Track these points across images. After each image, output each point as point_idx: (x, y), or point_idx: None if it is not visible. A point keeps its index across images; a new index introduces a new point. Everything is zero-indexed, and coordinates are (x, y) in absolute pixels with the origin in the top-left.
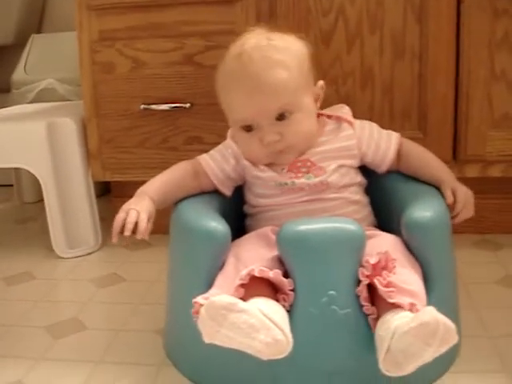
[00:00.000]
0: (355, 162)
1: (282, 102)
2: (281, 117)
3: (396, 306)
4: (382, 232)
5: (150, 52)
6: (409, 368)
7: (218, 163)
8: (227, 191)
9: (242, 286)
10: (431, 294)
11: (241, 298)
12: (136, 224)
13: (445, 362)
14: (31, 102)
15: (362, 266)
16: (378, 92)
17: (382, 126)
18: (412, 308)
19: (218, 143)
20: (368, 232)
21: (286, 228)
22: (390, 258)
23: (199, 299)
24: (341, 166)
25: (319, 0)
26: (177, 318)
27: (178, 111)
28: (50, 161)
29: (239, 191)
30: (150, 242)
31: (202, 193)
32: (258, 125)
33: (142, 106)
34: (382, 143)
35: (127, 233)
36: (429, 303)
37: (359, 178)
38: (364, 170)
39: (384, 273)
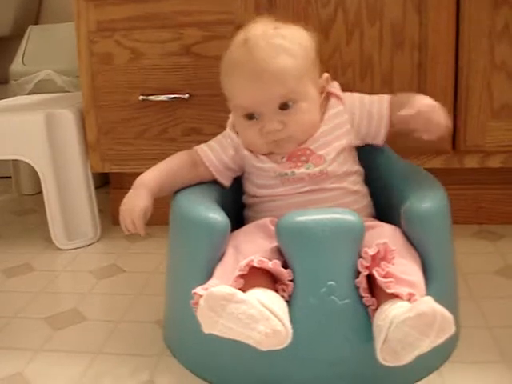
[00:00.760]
0: (352, 139)
1: (286, 89)
2: (284, 106)
3: (395, 297)
4: (381, 223)
5: (148, 42)
6: (406, 358)
7: (216, 153)
8: (226, 182)
9: (241, 276)
10: (430, 285)
11: (240, 289)
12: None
13: (443, 352)
14: (29, 94)
15: (361, 256)
16: (377, 82)
17: None
18: (410, 298)
19: (217, 134)
20: (367, 223)
21: (285, 219)
22: (389, 249)
23: (198, 290)
24: (340, 153)
25: None
26: (176, 308)
27: (177, 102)
28: (49, 152)
29: (238, 182)
30: (149, 233)
31: (201, 183)
32: (259, 114)
33: (141, 97)
34: (373, 111)
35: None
36: (428, 293)
37: (357, 167)
38: (363, 160)
39: (383, 263)
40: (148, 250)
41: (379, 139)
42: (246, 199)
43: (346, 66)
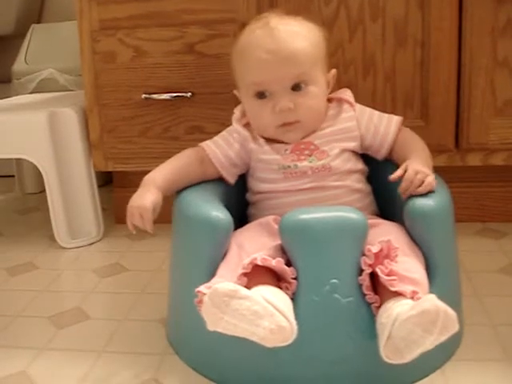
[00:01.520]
0: (357, 146)
1: (301, 69)
2: (296, 87)
3: (398, 294)
4: (384, 221)
5: (151, 41)
6: (409, 355)
7: (222, 149)
8: (231, 179)
9: (244, 274)
10: (434, 283)
11: (244, 287)
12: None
13: (447, 350)
14: (32, 93)
15: (364, 254)
16: (380, 80)
17: None
18: (414, 296)
19: (220, 132)
20: (370, 221)
21: (288, 217)
22: (392, 247)
23: (202, 288)
24: (343, 151)
25: None
26: (179, 307)
27: (180, 100)
28: (52, 151)
29: (242, 180)
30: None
31: (205, 182)
32: (272, 92)
33: (144, 96)
34: (381, 127)
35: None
36: (431, 291)
37: (361, 165)
38: (365, 158)
39: (386, 261)
40: (151, 249)
41: (380, 155)
42: (249, 197)
43: (348, 63)
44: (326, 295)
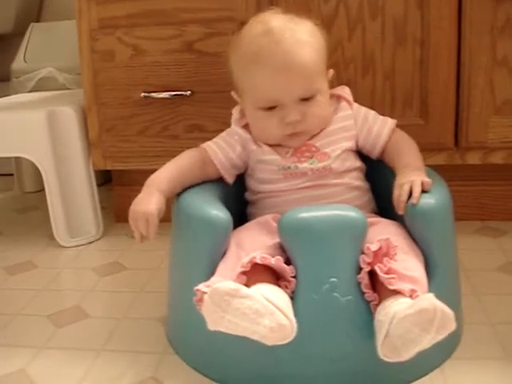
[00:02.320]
0: (354, 144)
1: (311, 82)
2: (305, 98)
3: (397, 293)
4: (383, 219)
5: (150, 40)
6: (407, 354)
7: (223, 151)
8: (230, 179)
9: (243, 273)
10: (433, 281)
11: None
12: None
13: (446, 349)
14: (31, 91)
15: (363, 253)
16: (379, 78)
17: (383, 113)
18: (412, 294)
19: (219, 131)
20: (370, 219)
21: (287, 215)
22: (391, 245)
23: (201, 287)
24: (343, 151)
25: None
26: (179, 305)
27: (179, 99)
28: (51, 150)
29: (241, 179)
30: None
31: (204, 181)
32: (281, 104)
33: (143, 94)
34: (374, 128)
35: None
36: (430, 290)
37: (359, 163)
38: (363, 155)
39: (385, 260)
40: (150, 247)
41: (373, 155)
42: (248, 196)
43: (347, 61)
44: (325, 294)
